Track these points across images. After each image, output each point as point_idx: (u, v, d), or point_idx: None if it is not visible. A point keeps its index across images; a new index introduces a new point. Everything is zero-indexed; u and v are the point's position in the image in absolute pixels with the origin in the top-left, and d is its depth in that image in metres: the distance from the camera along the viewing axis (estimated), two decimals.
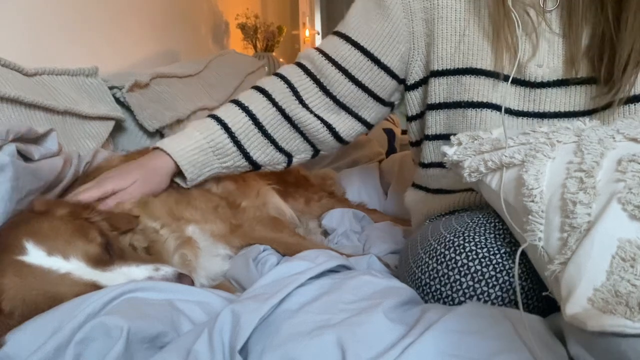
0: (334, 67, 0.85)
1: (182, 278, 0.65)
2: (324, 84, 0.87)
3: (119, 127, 1.23)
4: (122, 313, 0.52)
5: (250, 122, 0.86)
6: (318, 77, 0.87)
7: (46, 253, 0.60)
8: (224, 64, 1.91)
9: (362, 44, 0.82)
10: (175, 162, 0.83)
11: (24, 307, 0.57)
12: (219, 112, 0.87)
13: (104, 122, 1.14)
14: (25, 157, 0.73)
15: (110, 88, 1.22)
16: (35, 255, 0.59)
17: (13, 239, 0.60)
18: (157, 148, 0.85)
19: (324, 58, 0.85)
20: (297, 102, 0.87)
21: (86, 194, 0.77)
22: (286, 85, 0.87)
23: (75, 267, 0.60)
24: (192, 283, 0.66)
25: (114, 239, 0.67)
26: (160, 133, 1.32)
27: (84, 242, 0.62)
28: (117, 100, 1.22)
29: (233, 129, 0.85)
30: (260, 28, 2.67)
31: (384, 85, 0.85)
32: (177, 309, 0.57)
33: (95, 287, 0.59)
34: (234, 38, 2.69)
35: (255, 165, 0.90)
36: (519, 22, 0.71)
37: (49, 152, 0.79)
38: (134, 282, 0.60)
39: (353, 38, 0.83)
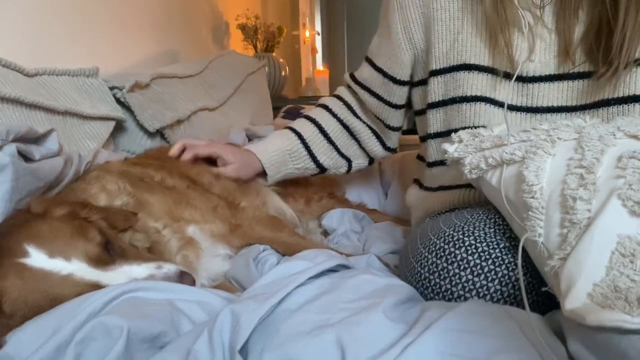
0: (359, 87, 1.03)
1: (184, 276, 0.65)
2: (361, 100, 1.05)
3: (119, 128, 1.23)
4: (122, 313, 0.52)
5: (318, 131, 1.07)
6: (357, 99, 1.07)
7: (47, 255, 0.60)
8: (225, 65, 1.91)
9: (378, 65, 0.96)
10: (260, 162, 1.03)
11: (26, 309, 0.57)
12: (293, 124, 1.09)
13: (104, 123, 1.14)
14: (26, 158, 0.73)
15: (111, 88, 1.22)
16: (37, 257, 0.59)
17: (14, 241, 0.60)
18: (246, 149, 1.05)
19: (352, 82, 1.06)
20: (351, 114, 1.07)
21: (196, 148, 0.99)
22: (342, 102, 1.09)
23: (76, 268, 0.60)
24: (193, 281, 0.66)
25: (114, 238, 0.67)
26: (160, 133, 1.32)
27: (84, 242, 0.62)
28: (118, 101, 1.22)
29: (304, 136, 1.06)
30: (260, 28, 2.67)
31: (398, 93, 0.96)
32: (177, 309, 0.57)
33: (97, 287, 0.59)
34: (234, 38, 2.69)
35: (321, 168, 1.09)
36: (517, 21, 0.72)
37: (49, 152, 0.79)
38: (135, 281, 0.60)
39: (373, 60, 0.98)
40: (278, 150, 1.04)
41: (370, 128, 1.07)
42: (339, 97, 1.10)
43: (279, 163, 1.05)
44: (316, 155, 1.07)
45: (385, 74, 0.94)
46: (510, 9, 0.73)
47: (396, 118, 1.02)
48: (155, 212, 0.80)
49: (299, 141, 1.06)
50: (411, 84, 0.94)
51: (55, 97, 1.02)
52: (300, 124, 1.09)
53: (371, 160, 1.13)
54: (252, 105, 1.97)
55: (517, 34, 0.74)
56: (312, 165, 1.07)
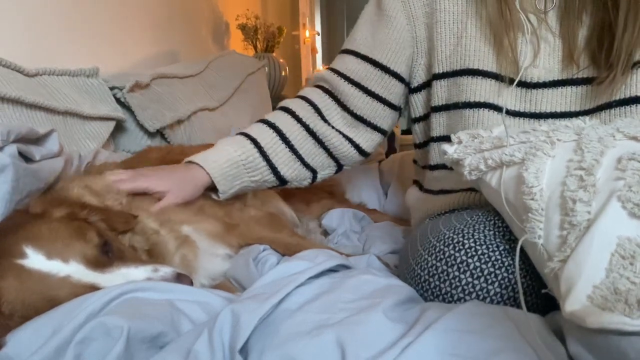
0: (346, 83, 0.90)
1: (181, 278, 0.65)
2: (342, 100, 0.92)
3: (119, 128, 1.23)
4: (122, 313, 0.52)
5: (278, 137, 0.91)
6: (335, 94, 0.93)
7: (45, 257, 0.60)
8: (225, 65, 1.91)
9: (370, 56, 0.87)
10: (209, 175, 0.87)
11: (23, 310, 0.57)
12: (248, 130, 0.93)
13: (104, 123, 1.14)
14: (26, 158, 0.73)
15: (111, 88, 1.22)
16: (34, 259, 0.59)
17: (12, 242, 0.60)
18: (190, 162, 0.89)
19: (336, 76, 0.91)
20: (319, 118, 0.93)
21: (119, 183, 0.80)
22: (308, 104, 0.94)
23: (74, 269, 0.60)
24: (191, 283, 0.66)
25: (112, 240, 0.67)
26: (160, 133, 1.32)
27: (82, 244, 0.62)
28: (118, 101, 1.23)
29: (262, 144, 0.90)
30: (260, 29, 2.67)
31: (395, 91, 0.89)
32: (177, 309, 0.57)
33: (94, 289, 0.59)
34: (234, 39, 2.69)
35: (282, 181, 0.94)
36: (520, 25, 0.72)
37: (49, 152, 0.79)
38: (133, 282, 0.60)
39: (362, 52, 0.88)
40: (231, 161, 0.88)
41: (340, 132, 0.93)
42: (305, 99, 0.95)
43: (231, 176, 0.89)
44: (276, 166, 0.91)
45: (385, 69, 0.86)
46: (514, 14, 0.72)
47: (387, 120, 0.93)
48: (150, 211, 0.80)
49: (255, 150, 0.90)
50: (410, 90, 0.89)
51: (55, 97, 1.02)
52: (258, 130, 0.92)
53: (340, 168, 0.98)
54: (252, 106, 1.97)
55: (521, 39, 0.74)
56: (271, 177, 0.92)
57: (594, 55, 0.72)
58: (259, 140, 0.90)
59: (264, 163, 0.91)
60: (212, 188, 0.90)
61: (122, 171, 0.84)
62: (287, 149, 0.92)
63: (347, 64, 0.90)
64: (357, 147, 0.94)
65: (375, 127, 0.93)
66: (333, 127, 0.93)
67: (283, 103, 0.96)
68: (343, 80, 0.90)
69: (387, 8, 0.84)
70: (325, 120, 0.93)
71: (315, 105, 0.94)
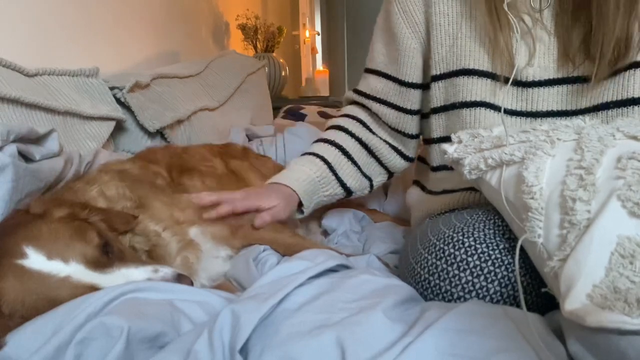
0: (373, 101, 0.98)
1: (182, 279, 0.65)
2: (377, 115, 1.00)
3: (119, 128, 1.23)
4: (122, 313, 0.52)
5: (340, 153, 1.00)
6: (371, 114, 1.01)
7: (46, 257, 0.60)
8: (225, 65, 1.91)
9: (388, 73, 0.93)
10: (296, 193, 0.95)
11: (23, 310, 0.57)
12: (315, 150, 1.01)
13: (104, 123, 1.14)
14: (26, 158, 0.73)
15: (111, 88, 1.22)
16: (35, 259, 0.59)
17: (13, 242, 0.60)
18: (275, 183, 0.96)
19: (362, 97, 1.00)
20: (368, 131, 1.02)
21: (232, 203, 0.87)
22: (356, 121, 1.03)
23: (74, 270, 0.60)
24: (191, 283, 0.66)
25: (113, 240, 0.67)
26: (160, 133, 1.32)
27: (83, 244, 0.62)
28: (118, 101, 1.23)
29: (329, 160, 0.99)
30: (260, 29, 2.67)
31: (416, 98, 0.93)
32: (177, 309, 0.57)
33: (94, 289, 0.59)
34: (234, 39, 2.69)
35: (348, 192, 1.02)
36: (514, 24, 0.72)
37: (49, 152, 0.79)
38: (133, 282, 0.60)
39: (381, 70, 0.94)
40: (309, 178, 0.96)
41: (386, 142, 1.02)
42: (351, 116, 1.04)
43: (311, 192, 0.97)
44: (343, 179, 1.00)
45: (401, 82, 0.91)
46: (509, 13, 0.72)
47: (414, 125, 0.98)
48: (156, 213, 0.80)
49: (325, 166, 0.98)
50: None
51: (55, 98, 1.02)
52: (322, 148, 1.01)
53: (390, 175, 1.07)
54: (252, 106, 1.97)
55: (516, 38, 0.74)
56: (340, 190, 1.01)
57: (589, 53, 0.71)
58: (326, 158, 0.99)
59: (334, 177, 0.99)
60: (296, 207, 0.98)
61: (234, 193, 0.90)
62: (349, 162, 1.01)
63: (370, 84, 0.98)
64: (401, 154, 1.02)
65: (411, 136, 0.99)
66: (380, 138, 1.01)
67: (333, 122, 1.06)
68: (369, 100, 0.99)
69: (392, 26, 0.88)
70: (373, 132, 1.02)
71: (360, 120, 1.03)
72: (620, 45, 0.67)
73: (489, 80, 0.77)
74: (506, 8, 0.71)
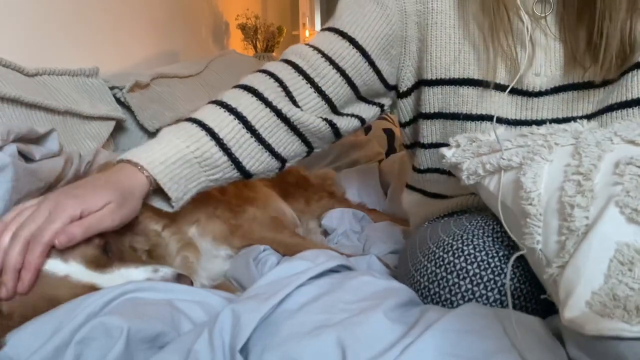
0: (331, 67, 0.76)
1: (181, 279, 0.65)
2: (319, 84, 0.76)
3: (119, 127, 1.23)
4: (122, 313, 0.52)
5: (241, 126, 0.72)
6: (312, 76, 0.76)
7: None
8: (225, 65, 1.91)
9: (360, 43, 0.75)
10: (151, 179, 0.66)
11: (22, 309, 0.57)
12: (200, 116, 0.71)
13: (104, 122, 1.14)
14: (26, 158, 0.74)
15: (111, 88, 1.22)
16: None
17: None
18: (124, 161, 0.67)
19: (320, 56, 0.75)
20: (290, 102, 0.75)
21: (45, 229, 0.57)
22: (277, 84, 0.75)
23: (73, 269, 0.60)
24: (191, 283, 0.66)
25: (112, 240, 0.67)
26: None
27: (82, 244, 0.62)
28: (118, 101, 1.23)
29: (221, 135, 0.70)
30: (260, 28, 2.68)
31: (375, 88, 0.81)
32: (177, 309, 0.57)
33: (93, 289, 0.59)
34: (234, 38, 2.69)
35: (247, 175, 0.76)
36: (519, 32, 0.71)
37: (49, 152, 0.79)
38: (133, 282, 0.60)
39: (350, 35, 0.75)
40: (182, 159, 0.68)
41: (322, 119, 0.78)
42: (272, 75, 0.76)
43: (185, 178, 0.68)
44: (240, 160, 0.72)
45: (370, 61, 0.76)
46: (514, 22, 0.71)
47: (366, 112, 0.82)
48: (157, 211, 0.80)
49: (213, 142, 0.70)
50: (399, 94, 0.83)
51: (55, 97, 1.03)
52: (214, 116, 0.71)
53: (310, 152, 0.82)
54: None
55: (523, 48, 0.71)
56: (235, 173, 0.74)
57: (595, 56, 0.69)
58: (216, 131, 0.70)
59: (226, 158, 0.71)
60: (155, 193, 0.70)
61: (30, 201, 0.62)
62: (254, 140, 0.73)
63: (334, 45, 0.76)
64: (336, 130, 0.80)
65: (354, 115, 0.82)
66: (308, 111, 0.76)
67: (243, 80, 0.77)
68: (327, 62, 0.75)
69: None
70: (297, 105, 0.75)
71: (284, 85, 0.75)
72: (625, 45, 0.66)
73: (494, 92, 0.74)
74: (512, 16, 0.70)
